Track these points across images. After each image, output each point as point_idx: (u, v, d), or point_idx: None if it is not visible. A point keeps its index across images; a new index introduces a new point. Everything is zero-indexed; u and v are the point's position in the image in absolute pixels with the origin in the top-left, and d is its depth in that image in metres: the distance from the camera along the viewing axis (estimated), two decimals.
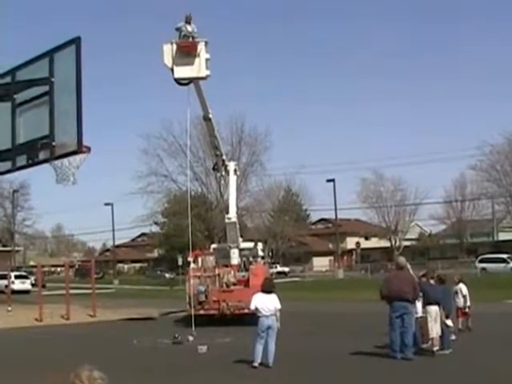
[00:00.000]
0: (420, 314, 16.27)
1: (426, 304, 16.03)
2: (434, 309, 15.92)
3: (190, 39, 21.65)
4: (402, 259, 17.20)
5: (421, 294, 16.07)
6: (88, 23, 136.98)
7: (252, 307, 15.12)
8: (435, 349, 15.81)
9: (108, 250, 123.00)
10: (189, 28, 21.70)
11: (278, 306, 14.98)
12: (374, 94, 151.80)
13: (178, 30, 21.74)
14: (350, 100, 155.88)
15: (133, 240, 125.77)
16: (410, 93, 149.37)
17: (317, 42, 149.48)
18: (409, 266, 16.80)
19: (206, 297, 25.30)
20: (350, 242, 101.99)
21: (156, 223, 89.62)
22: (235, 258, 27.31)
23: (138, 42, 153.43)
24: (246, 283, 25.57)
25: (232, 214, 27.52)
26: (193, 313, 23.22)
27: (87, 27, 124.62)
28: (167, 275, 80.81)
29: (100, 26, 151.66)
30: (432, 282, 16.67)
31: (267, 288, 15.27)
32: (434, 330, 15.83)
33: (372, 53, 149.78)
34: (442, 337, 16.06)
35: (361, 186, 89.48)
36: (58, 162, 7.55)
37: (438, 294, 16.12)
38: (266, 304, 14.88)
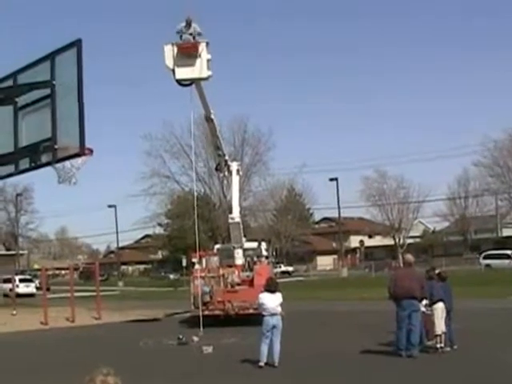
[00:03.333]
0: (424, 310, 16.24)
1: (432, 302, 15.99)
2: (440, 306, 15.90)
3: (191, 40, 21.63)
4: (409, 256, 17.15)
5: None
6: (89, 25, 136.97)
7: (259, 302, 15.14)
8: (440, 346, 15.79)
9: (112, 252, 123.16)
10: (190, 30, 21.69)
11: (281, 300, 15.05)
12: (375, 91, 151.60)
13: (179, 32, 21.72)
14: (352, 98, 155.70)
15: (137, 242, 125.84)
16: (412, 90, 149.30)
17: (318, 41, 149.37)
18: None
19: (211, 297, 25.29)
20: (354, 241, 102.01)
21: (160, 224, 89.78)
22: (239, 258, 27.29)
23: (140, 43, 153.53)
24: (251, 283, 25.56)
25: (235, 214, 27.49)
26: (200, 314, 23.19)
27: (89, 29, 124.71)
28: (171, 276, 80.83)
29: (102, 28, 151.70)
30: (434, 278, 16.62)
31: (271, 287, 15.29)
32: (440, 327, 15.81)
33: (374, 50, 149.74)
34: (446, 334, 16.04)
35: (364, 185, 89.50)
36: (60, 165, 7.55)
37: (440, 290, 16.11)
38: (271, 303, 14.91)
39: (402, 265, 16.03)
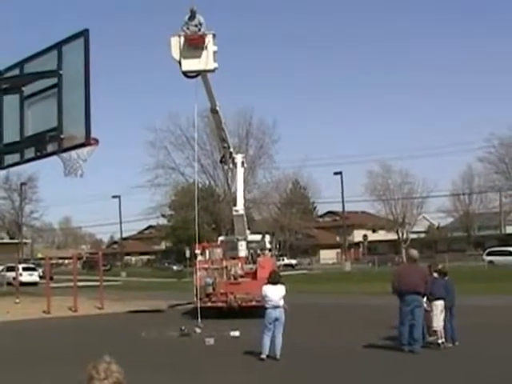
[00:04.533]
0: (425, 306, 16.24)
1: (432, 298, 16.00)
2: (439, 303, 15.91)
3: (198, 32, 21.58)
4: (414, 252, 17.13)
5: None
6: (96, 16, 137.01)
7: (263, 294, 15.17)
8: (441, 341, 15.80)
9: (115, 242, 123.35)
10: (194, 21, 21.61)
11: (284, 293, 15.07)
12: (381, 86, 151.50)
13: (185, 24, 21.66)
14: (357, 92, 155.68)
15: (140, 232, 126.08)
16: (417, 85, 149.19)
17: (322, 35, 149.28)
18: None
19: (214, 289, 25.34)
20: (358, 235, 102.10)
21: (163, 215, 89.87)
22: (243, 251, 27.33)
23: (147, 34, 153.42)
24: (254, 275, 25.60)
25: (239, 207, 27.50)
26: (198, 305, 23.25)
27: (95, 20, 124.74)
28: (175, 267, 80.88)
29: (108, 20, 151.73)
30: (435, 274, 16.62)
31: (274, 279, 15.31)
32: (437, 323, 15.84)
33: (376, 46, 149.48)
34: (446, 330, 16.06)
35: (368, 179, 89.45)
36: (66, 155, 7.56)
37: (441, 287, 16.12)
38: (274, 295, 14.93)
39: (405, 260, 16.01)
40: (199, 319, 22.06)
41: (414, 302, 15.43)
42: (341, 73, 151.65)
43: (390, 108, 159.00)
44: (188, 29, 21.36)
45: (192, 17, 21.38)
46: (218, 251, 27.70)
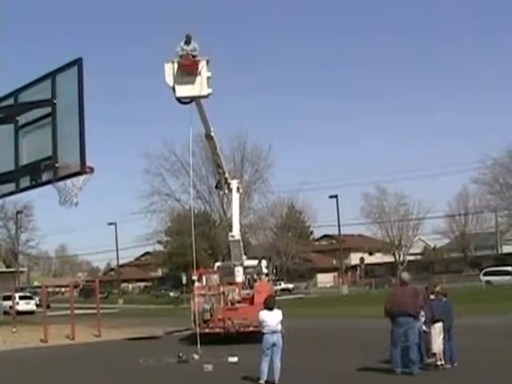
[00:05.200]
0: (424, 328, 16.19)
1: (431, 320, 15.96)
2: (438, 325, 15.88)
3: (191, 58, 21.66)
4: (405, 274, 17.18)
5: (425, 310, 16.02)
6: (90, 43, 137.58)
7: (260, 319, 15.11)
8: (440, 363, 15.74)
9: (112, 269, 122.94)
10: (189, 47, 21.71)
11: (281, 318, 15.03)
12: (374, 108, 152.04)
13: (180, 50, 21.73)
14: (351, 115, 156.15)
15: (137, 259, 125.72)
16: (410, 106, 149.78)
17: (316, 59, 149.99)
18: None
19: (211, 315, 25.25)
20: (354, 258, 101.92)
21: (160, 242, 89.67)
22: (239, 276, 27.24)
23: (141, 60, 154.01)
24: (251, 301, 25.51)
25: (235, 232, 27.49)
26: (198, 331, 23.14)
27: (89, 47, 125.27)
28: (171, 294, 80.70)
29: (102, 46, 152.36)
30: (432, 296, 16.59)
31: (270, 304, 15.28)
32: (436, 345, 15.79)
33: (368, 71, 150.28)
34: (445, 351, 16.00)
35: (364, 202, 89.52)
36: (61, 184, 7.57)
37: (439, 308, 16.09)
38: (272, 320, 14.89)
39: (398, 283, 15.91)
40: (198, 345, 21.96)
41: (406, 323, 15.39)
42: (335, 96, 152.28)
43: (383, 130, 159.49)
44: (182, 55, 21.48)
45: (187, 42, 21.52)
46: (215, 277, 27.63)
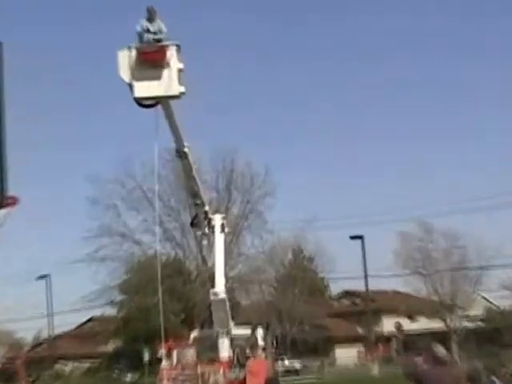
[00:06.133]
0: None
1: None
2: None
3: (156, 43, 21.42)
4: (441, 350, 16.86)
5: None
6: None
7: None
8: None
9: (43, 342, 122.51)
10: (153, 27, 21.43)
11: None
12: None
13: (140, 31, 21.49)
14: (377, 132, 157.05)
15: (78, 327, 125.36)
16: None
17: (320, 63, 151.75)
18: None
19: None
20: (388, 324, 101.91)
21: (111, 303, 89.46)
22: (225, 351, 27.26)
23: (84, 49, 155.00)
24: None
25: (219, 288, 27.54)
26: None
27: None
28: (128, 377, 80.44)
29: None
30: (496, 381, 16.55)
31: None
32: None
33: (381, 92, 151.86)
34: None
35: (400, 244, 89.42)
36: None
37: None
38: None
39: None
40: None
41: None
42: (354, 113, 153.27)
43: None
44: (142, 40, 21.28)
45: (150, 19, 21.27)
46: (191, 352, 27.70)
